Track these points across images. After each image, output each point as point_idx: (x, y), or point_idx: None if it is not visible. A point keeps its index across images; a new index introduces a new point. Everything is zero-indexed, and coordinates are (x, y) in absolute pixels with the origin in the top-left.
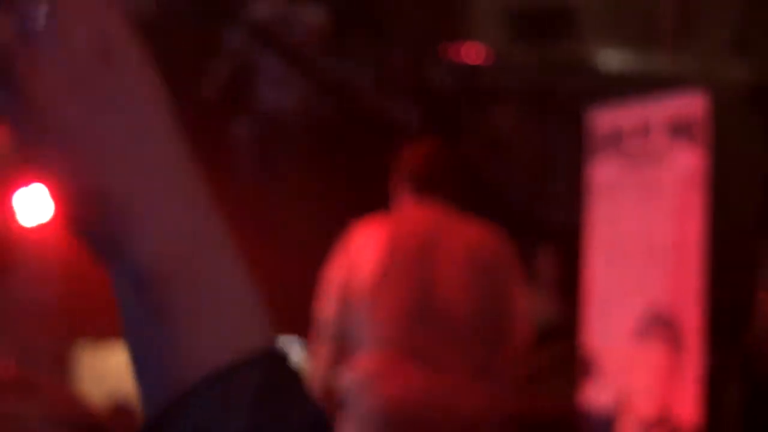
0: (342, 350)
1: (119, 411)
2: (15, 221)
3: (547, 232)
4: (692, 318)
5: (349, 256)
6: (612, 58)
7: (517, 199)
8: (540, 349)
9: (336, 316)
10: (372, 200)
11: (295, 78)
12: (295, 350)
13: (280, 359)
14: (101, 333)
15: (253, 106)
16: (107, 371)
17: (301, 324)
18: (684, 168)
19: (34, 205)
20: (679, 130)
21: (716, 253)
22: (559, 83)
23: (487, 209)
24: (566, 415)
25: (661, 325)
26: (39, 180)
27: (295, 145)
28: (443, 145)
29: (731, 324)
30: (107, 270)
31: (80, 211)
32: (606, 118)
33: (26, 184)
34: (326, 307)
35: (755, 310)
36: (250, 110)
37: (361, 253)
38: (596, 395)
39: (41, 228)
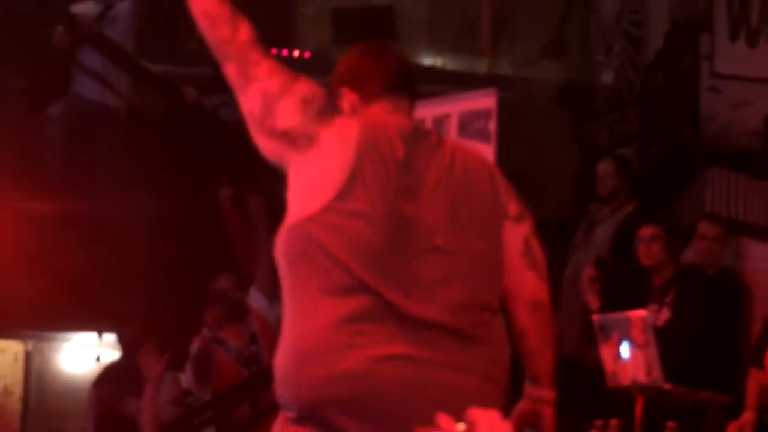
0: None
1: None
2: None
3: None
4: None
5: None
6: (431, 60)
7: None
8: None
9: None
10: (200, 190)
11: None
12: (114, 347)
13: None
14: None
15: (71, 98)
16: None
17: (119, 319)
18: None
19: None
20: (472, 125)
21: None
22: None
23: None
24: None
25: None
26: None
27: (118, 137)
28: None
29: None
30: None
31: None
32: None
33: None
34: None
35: (561, 297)
36: (69, 102)
37: (331, 149)
38: None
39: None
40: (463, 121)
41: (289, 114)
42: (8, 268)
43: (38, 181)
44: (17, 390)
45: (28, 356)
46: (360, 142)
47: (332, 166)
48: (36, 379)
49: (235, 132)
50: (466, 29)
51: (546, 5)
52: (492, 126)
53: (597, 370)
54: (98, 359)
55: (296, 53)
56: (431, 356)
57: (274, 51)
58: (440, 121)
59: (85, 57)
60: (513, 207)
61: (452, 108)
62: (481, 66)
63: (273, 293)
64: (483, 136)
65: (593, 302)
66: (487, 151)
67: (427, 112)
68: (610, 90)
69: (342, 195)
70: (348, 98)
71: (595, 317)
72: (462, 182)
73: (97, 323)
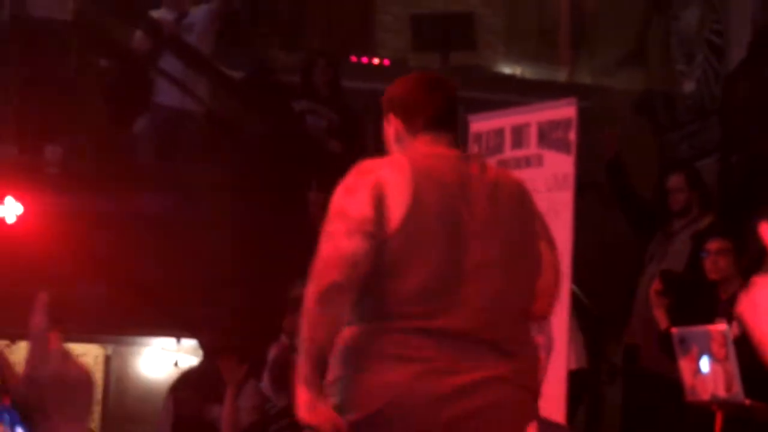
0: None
1: None
2: None
3: None
4: (560, 320)
5: (378, 184)
6: (510, 69)
7: None
8: None
9: (375, 216)
10: (279, 197)
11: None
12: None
13: None
14: None
15: (154, 109)
16: None
17: (199, 325)
18: (555, 171)
19: None
20: (551, 134)
21: (603, 252)
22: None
23: None
24: None
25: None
26: None
27: (202, 143)
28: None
29: (614, 322)
30: None
31: None
32: (485, 125)
33: None
34: (358, 205)
35: (634, 308)
36: (152, 114)
37: (389, 188)
38: None
39: None
40: (542, 130)
41: (363, 206)
42: (90, 274)
43: (121, 188)
44: (96, 393)
45: (107, 360)
46: (414, 177)
47: (391, 202)
48: (115, 382)
49: (322, 138)
50: (545, 38)
51: (626, 14)
52: (572, 136)
53: (674, 382)
54: (176, 364)
55: (376, 61)
56: (469, 372)
57: (354, 59)
58: (519, 131)
59: (165, 63)
60: (544, 231)
61: (531, 117)
62: (560, 75)
63: None
64: (563, 146)
65: (661, 318)
66: (567, 161)
67: (506, 121)
68: (691, 99)
69: (400, 230)
70: (394, 124)
71: (674, 330)
72: (506, 206)
73: (175, 328)
